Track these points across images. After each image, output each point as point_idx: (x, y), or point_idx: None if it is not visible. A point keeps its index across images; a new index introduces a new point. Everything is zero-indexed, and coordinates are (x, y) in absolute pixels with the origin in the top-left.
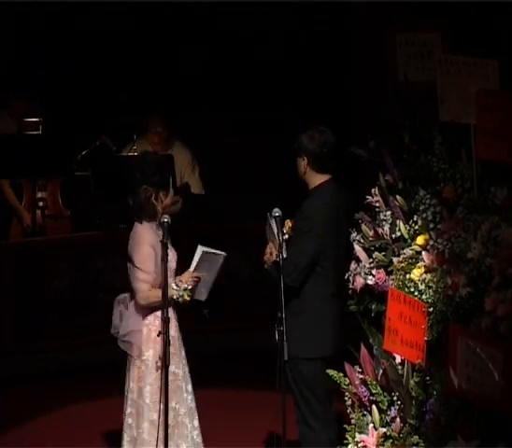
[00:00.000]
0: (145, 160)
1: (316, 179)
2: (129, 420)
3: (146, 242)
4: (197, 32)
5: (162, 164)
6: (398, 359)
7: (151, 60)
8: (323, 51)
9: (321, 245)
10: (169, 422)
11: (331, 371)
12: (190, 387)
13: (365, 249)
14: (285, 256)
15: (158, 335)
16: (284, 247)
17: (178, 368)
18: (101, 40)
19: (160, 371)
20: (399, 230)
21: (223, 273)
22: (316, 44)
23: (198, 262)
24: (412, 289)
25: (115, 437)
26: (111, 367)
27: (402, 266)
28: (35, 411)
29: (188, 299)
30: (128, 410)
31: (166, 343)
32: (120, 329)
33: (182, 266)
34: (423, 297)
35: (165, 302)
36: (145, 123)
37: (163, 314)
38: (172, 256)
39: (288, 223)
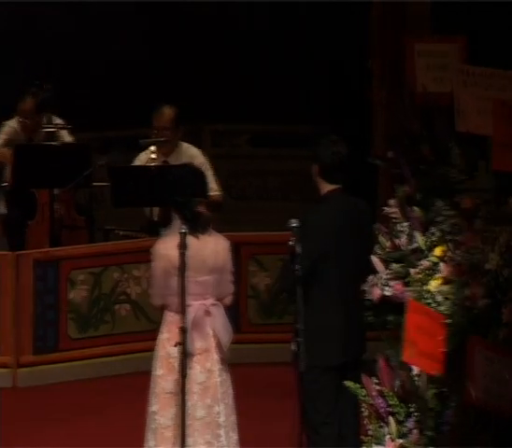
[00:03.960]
0: (186, 173)
1: (324, 187)
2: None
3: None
4: (218, 40)
5: (201, 173)
6: (416, 370)
7: (174, 67)
8: (344, 61)
9: (314, 252)
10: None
11: (348, 382)
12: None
13: (383, 260)
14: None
15: (175, 345)
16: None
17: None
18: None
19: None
20: (416, 241)
21: (243, 283)
22: (336, 53)
23: None
24: (429, 301)
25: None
26: (128, 377)
27: (419, 277)
28: (54, 421)
29: None
30: None
31: (184, 354)
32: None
33: None
34: (441, 308)
35: (184, 311)
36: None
37: (181, 323)
38: None
39: None
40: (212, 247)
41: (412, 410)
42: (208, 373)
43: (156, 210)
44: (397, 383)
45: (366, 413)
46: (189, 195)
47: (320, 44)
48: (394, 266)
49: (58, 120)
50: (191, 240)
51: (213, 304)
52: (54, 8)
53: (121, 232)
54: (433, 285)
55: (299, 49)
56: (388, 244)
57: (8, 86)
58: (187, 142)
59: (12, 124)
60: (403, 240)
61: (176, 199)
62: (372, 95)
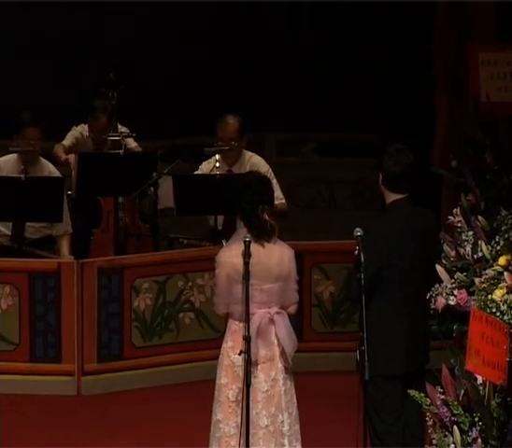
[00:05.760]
0: (254, 180)
1: (389, 197)
2: None
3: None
4: (284, 48)
5: (268, 180)
6: (480, 380)
7: (239, 75)
8: (406, 70)
9: (379, 261)
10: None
11: (412, 391)
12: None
13: (447, 269)
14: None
15: (239, 354)
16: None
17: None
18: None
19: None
20: (481, 250)
21: (307, 291)
22: (398, 62)
23: None
24: (494, 310)
25: None
26: (192, 385)
27: (484, 286)
28: (118, 429)
29: None
30: None
31: (248, 362)
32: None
33: None
34: (505, 317)
35: (247, 320)
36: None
37: (244, 332)
38: None
39: None
40: (277, 256)
41: (476, 419)
42: (273, 382)
43: (220, 219)
44: (461, 392)
45: (430, 423)
46: (255, 203)
47: (385, 52)
48: (459, 275)
49: (123, 129)
50: (256, 248)
51: (277, 313)
52: (119, 13)
53: (186, 241)
54: (498, 294)
55: (365, 58)
56: (452, 253)
57: (77, 88)
58: (250, 150)
59: (81, 129)
60: (467, 249)
61: (242, 206)
62: (434, 100)
